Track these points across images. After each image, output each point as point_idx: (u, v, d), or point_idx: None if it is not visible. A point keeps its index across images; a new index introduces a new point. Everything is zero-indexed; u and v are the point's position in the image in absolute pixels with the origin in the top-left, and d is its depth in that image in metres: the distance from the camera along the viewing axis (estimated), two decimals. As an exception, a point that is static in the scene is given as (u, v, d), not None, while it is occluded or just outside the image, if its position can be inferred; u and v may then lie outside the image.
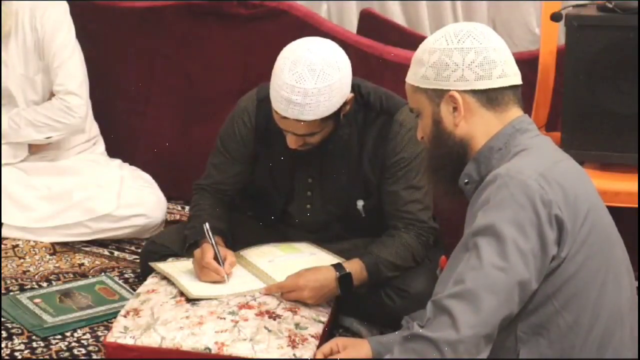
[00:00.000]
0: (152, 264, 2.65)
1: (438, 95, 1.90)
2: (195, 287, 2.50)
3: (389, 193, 2.60)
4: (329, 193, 2.67)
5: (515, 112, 1.91)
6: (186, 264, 2.62)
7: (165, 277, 2.58)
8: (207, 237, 2.51)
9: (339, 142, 2.58)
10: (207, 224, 2.52)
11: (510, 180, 1.76)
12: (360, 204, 2.65)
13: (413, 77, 1.95)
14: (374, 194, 2.63)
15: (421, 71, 1.91)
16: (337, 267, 2.50)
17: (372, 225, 2.65)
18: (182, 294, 2.48)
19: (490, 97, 1.88)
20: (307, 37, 2.49)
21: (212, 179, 2.75)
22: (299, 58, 2.38)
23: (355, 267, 2.52)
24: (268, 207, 2.76)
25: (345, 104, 2.47)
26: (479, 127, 1.89)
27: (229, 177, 2.73)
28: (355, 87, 2.53)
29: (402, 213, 2.59)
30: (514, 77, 1.91)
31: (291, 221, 2.76)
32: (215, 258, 2.51)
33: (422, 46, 1.95)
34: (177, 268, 2.62)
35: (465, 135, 1.90)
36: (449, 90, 1.88)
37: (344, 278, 2.49)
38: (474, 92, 1.88)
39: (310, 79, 2.36)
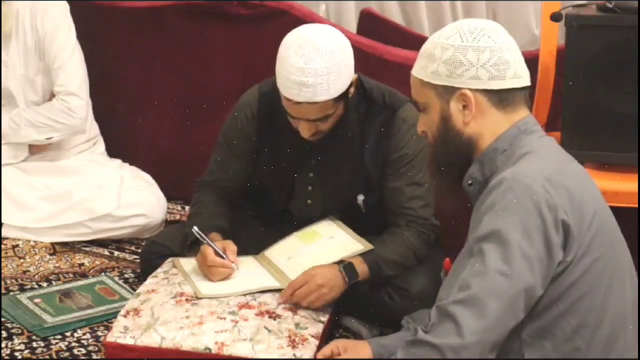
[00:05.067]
0: (173, 260, 2.65)
1: (449, 92, 1.88)
2: (206, 286, 2.50)
3: (391, 189, 2.60)
4: (330, 188, 2.67)
5: (522, 113, 1.89)
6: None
7: (165, 277, 2.58)
8: (201, 239, 2.51)
9: (341, 136, 2.58)
10: (195, 227, 2.52)
11: (516, 184, 1.74)
12: (360, 198, 2.65)
13: (422, 72, 1.91)
14: (375, 189, 2.63)
15: (432, 66, 1.88)
16: (339, 263, 2.50)
17: (372, 221, 2.65)
18: (182, 294, 2.48)
19: (502, 98, 1.87)
20: (304, 25, 2.51)
21: (214, 176, 2.75)
22: (303, 41, 2.40)
23: (357, 262, 2.52)
24: (269, 205, 2.76)
25: (351, 84, 2.48)
26: (487, 126, 1.87)
27: (231, 173, 2.73)
28: (358, 76, 2.54)
29: (404, 210, 2.59)
30: (525, 77, 1.90)
31: (292, 219, 2.76)
32: (217, 254, 2.51)
33: (434, 40, 1.91)
34: (192, 266, 2.62)
35: (473, 135, 1.88)
36: (460, 88, 1.86)
37: (347, 269, 2.48)
38: (487, 92, 1.86)
39: (318, 59, 2.38)
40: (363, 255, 2.54)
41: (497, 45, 1.86)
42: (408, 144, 2.56)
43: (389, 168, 2.59)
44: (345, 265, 2.50)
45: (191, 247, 2.63)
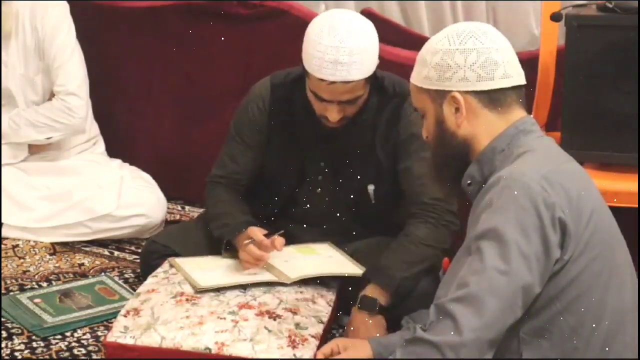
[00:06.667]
0: (171, 260, 2.66)
1: (440, 95, 1.90)
2: (204, 279, 2.51)
3: (403, 171, 2.60)
4: (341, 177, 2.67)
5: (518, 113, 1.90)
6: (202, 259, 2.65)
7: (165, 277, 2.58)
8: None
9: (354, 125, 2.59)
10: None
11: (513, 182, 1.75)
12: (371, 188, 2.65)
13: (416, 77, 1.95)
14: (386, 179, 2.63)
15: (424, 72, 1.92)
16: (361, 302, 2.45)
17: (380, 212, 2.64)
18: (182, 293, 2.49)
19: (493, 98, 1.88)
20: (328, 11, 2.55)
21: (226, 169, 2.74)
22: (335, 22, 2.44)
23: (372, 290, 2.48)
24: (273, 196, 2.74)
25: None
26: (481, 127, 1.89)
27: (243, 166, 2.73)
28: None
29: (416, 195, 2.57)
30: (517, 77, 1.90)
31: (296, 211, 2.74)
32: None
33: (426, 46, 1.95)
34: (194, 263, 2.64)
35: (467, 136, 1.90)
36: (451, 91, 1.88)
37: (369, 303, 2.45)
38: (476, 93, 1.88)
39: (352, 38, 2.42)
40: (372, 276, 2.50)
41: (484, 47, 1.88)
42: (416, 124, 2.55)
43: (399, 150, 2.60)
44: (362, 299, 2.45)
45: (227, 248, 2.64)
